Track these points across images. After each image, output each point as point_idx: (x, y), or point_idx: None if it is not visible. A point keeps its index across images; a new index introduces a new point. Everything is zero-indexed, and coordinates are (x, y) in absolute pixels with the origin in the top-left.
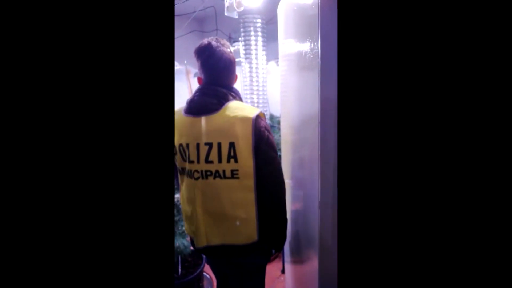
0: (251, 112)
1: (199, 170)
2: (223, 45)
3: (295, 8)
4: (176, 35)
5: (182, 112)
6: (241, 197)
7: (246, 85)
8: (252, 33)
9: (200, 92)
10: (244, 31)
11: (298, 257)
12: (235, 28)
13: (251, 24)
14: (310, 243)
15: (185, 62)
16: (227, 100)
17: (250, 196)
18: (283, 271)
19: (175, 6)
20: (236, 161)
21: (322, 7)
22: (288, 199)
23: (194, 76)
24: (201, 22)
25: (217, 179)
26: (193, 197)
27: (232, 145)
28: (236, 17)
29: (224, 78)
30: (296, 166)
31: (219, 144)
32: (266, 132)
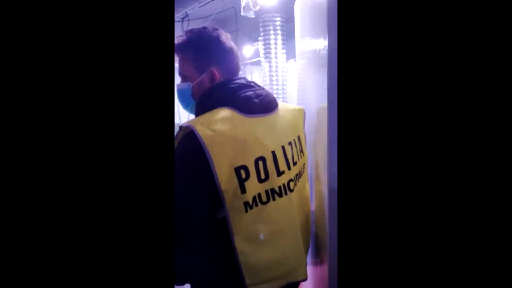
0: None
1: (293, 178)
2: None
3: (310, 3)
4: None
5: (239, 113)
6: (307, 190)
7: (265, 85)
8: (272, 32)
9: (250, 84)
10: (263, 30)
11: (317, 259)
12: (255, 28)
13: (270, 23)
14: (326, 245)
15: None
16: None
17: (308, 187)
18: None
19: (195, 10)
20: (303, 154)
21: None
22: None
23: None
24: (221, 24)
25: (299, 180)
26: (287, 223)
27: (299, 139)
28: (253, 16)
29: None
30: (313, 166)
31: (294, 141)
32: None
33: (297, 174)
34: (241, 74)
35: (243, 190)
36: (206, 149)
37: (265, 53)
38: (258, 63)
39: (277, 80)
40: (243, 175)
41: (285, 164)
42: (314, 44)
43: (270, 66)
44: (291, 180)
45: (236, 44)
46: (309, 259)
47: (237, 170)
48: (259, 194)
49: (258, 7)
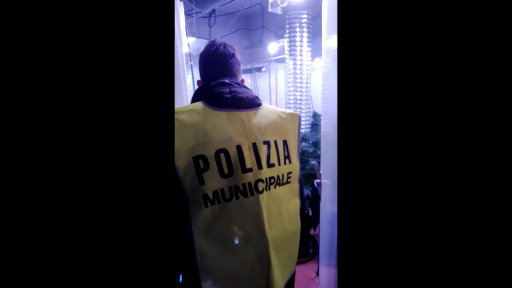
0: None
1: (264, 179)
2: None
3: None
4: (223, 33)
5: (208, 107)
6: (293, 205)
7: (289, 82)
8: (297, 29)
9: (228, 83)
10: (289, 27)
11: (332, 260)
12: (281, 25)
13: (297, 20)
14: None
15: None
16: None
17: (296, 202)
18: (318, 273)
19: (223, 6)
20: (290, 161)
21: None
22: (327, 199)
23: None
24: (247, 20)
25: (277, 188)
26: (253, 228)
27: (285, 144)
28: (280, 13)
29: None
30: (335, 166)
31: (276, 143)
32: None
33: (271, 178)
34: (264, 70)
35: (201, 181)
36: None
37: (290, 50)
38: (283, 60)
39: (301, 78)
40: (201, 165)
41: (255, 162)
42: None
43: (294, 64)
44: (260, 180)
45: (261, 40)
46: (324, 259)
47: (195, 159)
48: (222, 190)
49: (286, 3)
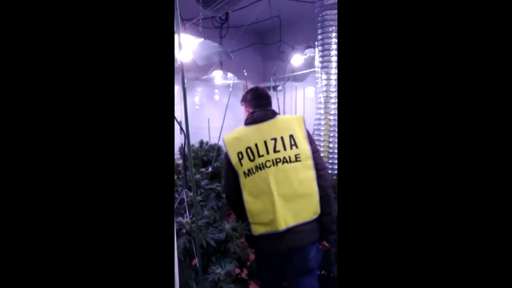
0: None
1: (270, 159)
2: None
3: None
4: (236, 47)
5: (243, 126)
6: (305, 175)
7: (320, 103)
8: (333, 33)
9: (258, 109)
10: (322, 32)
11: None
12: (300, 39)
13: (332, 23)
14: None
15: (245, 72)
16: (276, 114)
17: (310, 173)
18: None
19: (237, 18)
20: (296, 147)
21: None
22: None
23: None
24: (261, 35)
25: (285, 164)
26: (266, 187)
27: (291, 136)
28: None
29: (269, 105)
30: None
31: (282, 138)
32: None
33: (277, 159)
34: (280, 90)
35: (241, 164)
36: (224, 145)
37: (322, 62)
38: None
39: (335, 97)
40: (240, 156)
41: (265, 151)
42: None
43: (328, 79)
44: (267, 160)
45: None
46: None
47: (238, 153)
48: (250, 168)
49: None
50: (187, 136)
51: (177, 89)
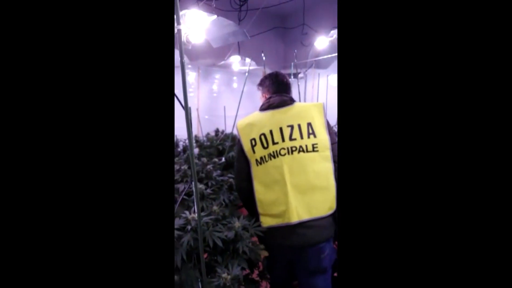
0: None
1: (285, 147)
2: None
3: None
4: (256, 31)
5: (258, 111)
6: (322, 167)
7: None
8: None
9: (276, 95)
10: None
11: None
12: (323, 24)
13: None
14: None
15: (263, 56)
16: (293, 101)
17: (328, 165)
18: None
19: (256, 0)
20: (314, 136)
21: None
22: None
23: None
24: (283, 18)
25: (301, 153)
26: (279, 177)
27: (309, 125)
28: None
29: (288, 92)
30: None
31: (299, 125)
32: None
33: (293, 147)
34: (302, 77)
35: (254, 151)
36: (237, 131)
37: None
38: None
39: None
40: (253, 143)
41: (280, 138)
42: None
43: None
44: (282, 148)
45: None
46: None
47: (251, 140)
48: (263, 156)
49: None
50: (188, 121)
51: (195, 75)
